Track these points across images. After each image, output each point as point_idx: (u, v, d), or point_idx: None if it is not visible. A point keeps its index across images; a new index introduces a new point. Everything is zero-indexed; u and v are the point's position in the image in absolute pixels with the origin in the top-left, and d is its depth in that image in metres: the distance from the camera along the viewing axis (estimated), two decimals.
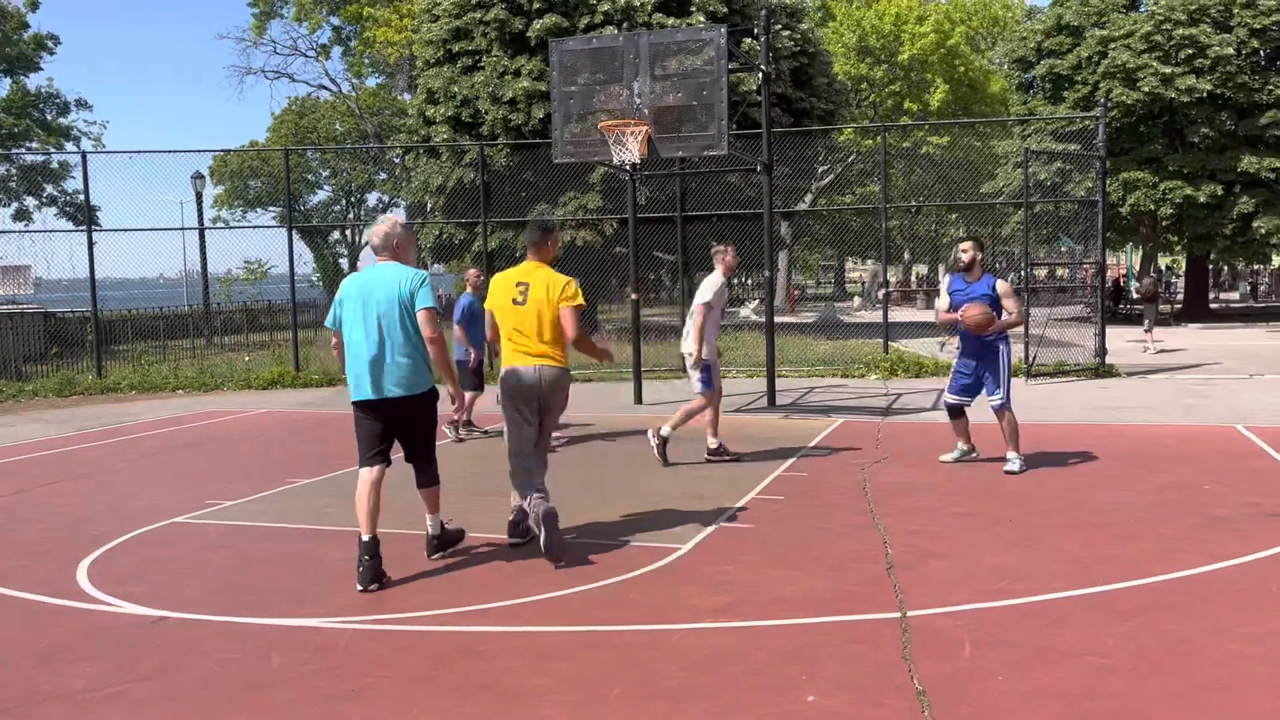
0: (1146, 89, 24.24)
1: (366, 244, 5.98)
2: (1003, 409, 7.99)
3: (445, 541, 5.98)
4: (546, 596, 5.13)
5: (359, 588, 5.29)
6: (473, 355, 10.42)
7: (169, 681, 4.21)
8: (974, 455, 8.44)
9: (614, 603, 5.03)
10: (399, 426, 5.59)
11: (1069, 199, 21.51)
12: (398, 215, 6.94)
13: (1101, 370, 14.38)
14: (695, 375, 8.55)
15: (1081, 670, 4.06)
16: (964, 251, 8.08)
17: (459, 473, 8.48)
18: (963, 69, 43.69)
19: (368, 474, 5.51)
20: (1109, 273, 23.18)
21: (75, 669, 4.35)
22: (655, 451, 8.60)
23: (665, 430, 8.63)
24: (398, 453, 5.67)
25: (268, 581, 5.60)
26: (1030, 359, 14.17)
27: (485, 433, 10.47)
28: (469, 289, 10.59)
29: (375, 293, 5.42)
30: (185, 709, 3.94)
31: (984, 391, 8.10)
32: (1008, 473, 7.87)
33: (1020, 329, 8.13)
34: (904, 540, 6.03)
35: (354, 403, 5.52)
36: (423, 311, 5.41)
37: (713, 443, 8.72)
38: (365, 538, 5.36)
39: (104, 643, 4.68)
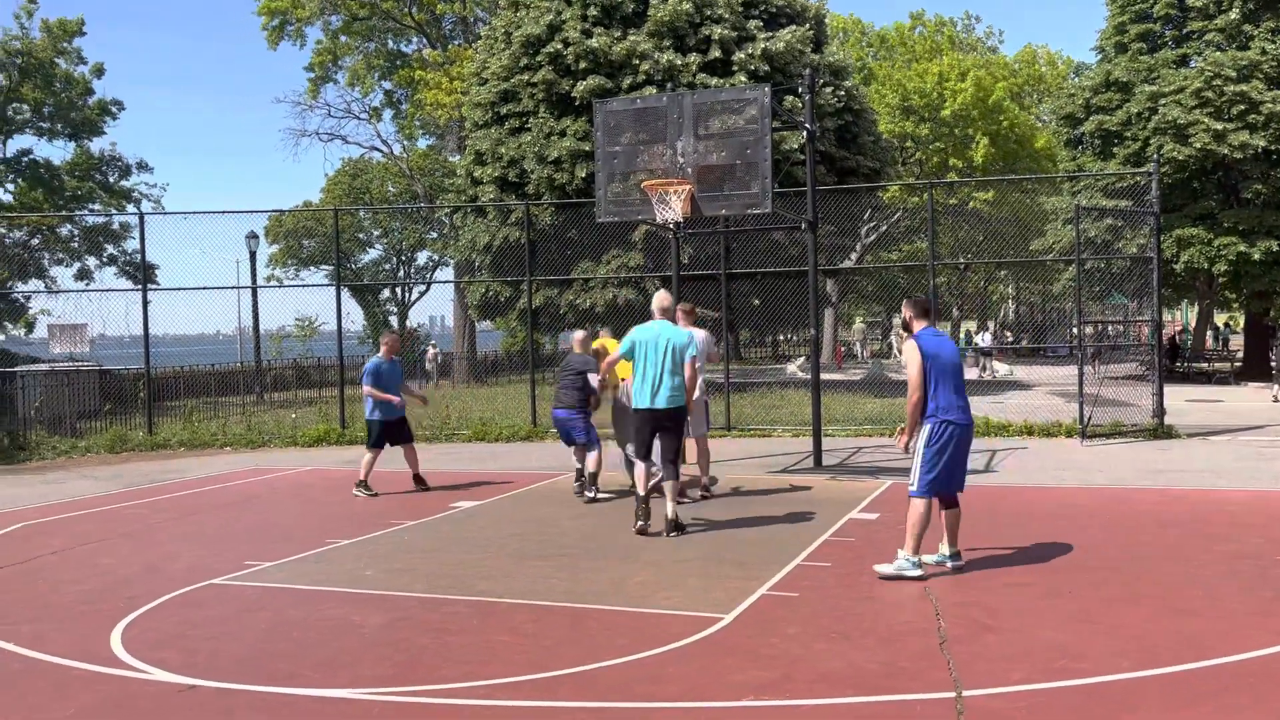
0: (1199, 145, 23.87)
1: (654, 307, 8.51)
2: (911, 498, 6.61)
3: (679, 527, 8.10)
4: (581, 669, 4.95)
5: (636, 525, 8.07)
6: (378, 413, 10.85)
7: None
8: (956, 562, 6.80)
9: (652, 677, 4.84)
10: (660, 428, 8.13)
11: (1121, 256, 21.14)
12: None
13: (1160, 431, 13.95)
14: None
15: None
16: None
17: (497, 535, 8.36)
18: (1006, 124, 43.49)
19: (642, 466, 8.17)
20: (1165, 330, 22.66)
21: None
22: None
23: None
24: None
25: (301, 648, 5.49)
26: (1085, 419, 13.80)
27: (373, 493, 10.63)
28: (384, 352, 10.96)
29: (663, 340, 8.16)
30: None
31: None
32: (880, 575, 6.51)
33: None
34: (957, 612, 5.78)
35: (637, 410, 8.21)
36: (690, 358, 8.20)
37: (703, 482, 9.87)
38: (641, 494, 8.11)
39: (129, 713, 4.58)
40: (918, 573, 6.48)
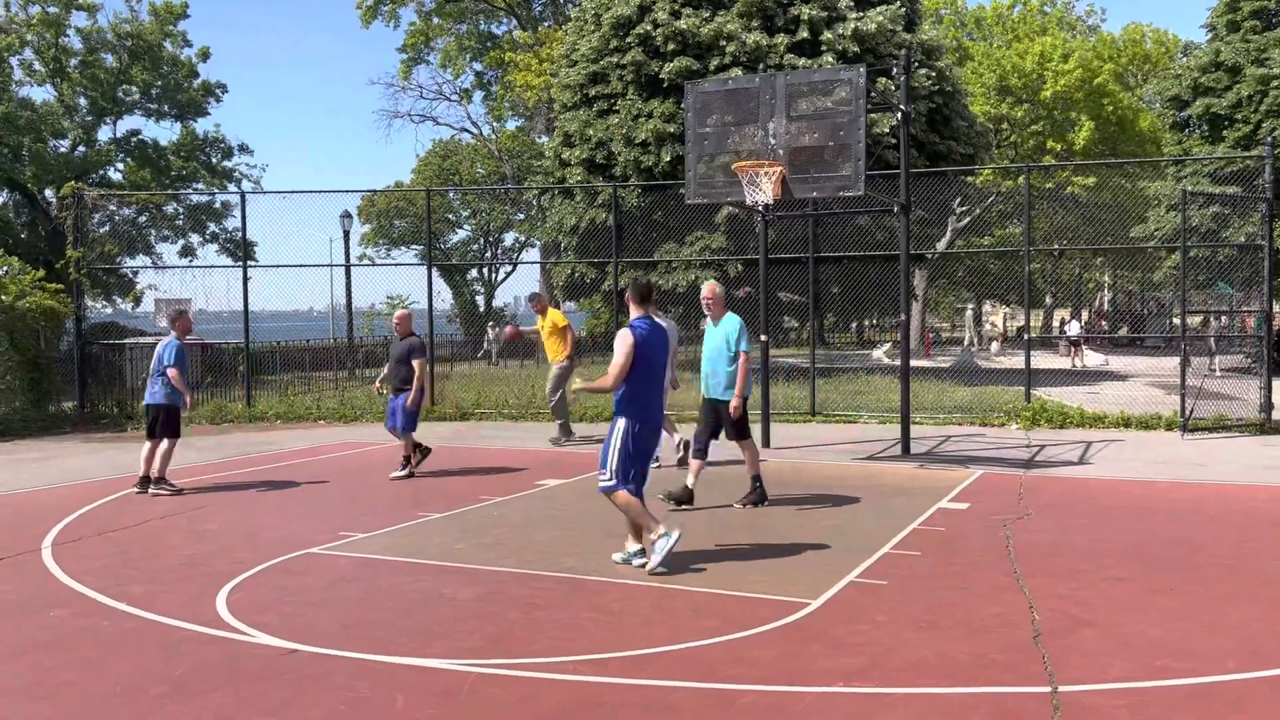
0: None
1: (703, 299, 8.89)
2: (610, 493, 6.44)
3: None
4: (669, 649, 4.98)
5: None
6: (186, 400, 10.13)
7: (292, 717, 4.24)
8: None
9: (739, 659, 4.84)
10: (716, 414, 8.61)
11: (1229, 244, 20.30)
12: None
13: (1267, 426, 13.39)
14: None
15: None
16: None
17: (584, 512, 8.44)
18: (1110, 107, 41.98)
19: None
20: (1275, 321, 21.74)
21: (204, 700, 4.44)
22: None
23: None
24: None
25: (395, 618, 5.63)
26: (1187, 412, 13.32)
27: (178, 490, 9.82)
28: (180, 332, 10.11)
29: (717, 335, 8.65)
30: None
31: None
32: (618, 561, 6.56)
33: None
34: (1052, 605, 5.65)
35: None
36: (741, 352, 8.49)
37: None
38: (754, 472, 8.80)
39: (235, 674, 4.76)
40: (643, 560, 6.43)
